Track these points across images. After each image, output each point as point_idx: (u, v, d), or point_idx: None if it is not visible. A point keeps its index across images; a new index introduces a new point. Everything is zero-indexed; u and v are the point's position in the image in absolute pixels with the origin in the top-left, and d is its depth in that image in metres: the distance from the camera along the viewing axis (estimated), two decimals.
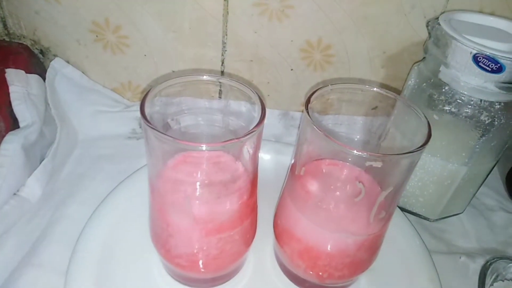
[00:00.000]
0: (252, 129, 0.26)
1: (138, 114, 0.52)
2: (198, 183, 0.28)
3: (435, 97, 0.38)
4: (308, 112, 0.29)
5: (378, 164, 0.25)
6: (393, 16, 0.46)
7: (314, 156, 0.30)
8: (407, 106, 0.30)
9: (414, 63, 0.42)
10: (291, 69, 0.50)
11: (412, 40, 0.47)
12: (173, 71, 0.50)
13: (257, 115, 0.29)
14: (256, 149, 0.29)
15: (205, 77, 0.31)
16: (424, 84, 0.39)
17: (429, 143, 0.28)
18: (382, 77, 0.51)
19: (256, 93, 0.29)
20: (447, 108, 0.37)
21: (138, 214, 0.38)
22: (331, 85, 0.31)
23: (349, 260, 0.32)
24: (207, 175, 0.28)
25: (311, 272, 0.33)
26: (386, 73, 0.50)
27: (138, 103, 0.52)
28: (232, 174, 0.29)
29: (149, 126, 0.26)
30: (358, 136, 0.36)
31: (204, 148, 0.25)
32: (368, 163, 0.26)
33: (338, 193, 0.29)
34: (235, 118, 0.33)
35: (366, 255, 0.32)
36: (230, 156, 0.29)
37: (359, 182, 0.28)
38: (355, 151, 0.25)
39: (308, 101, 0.29)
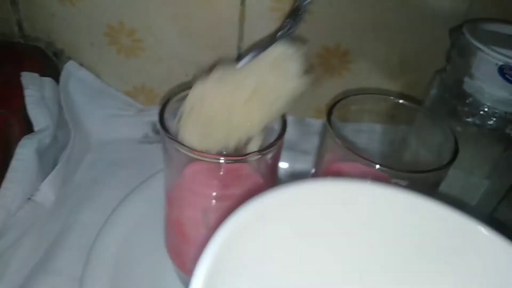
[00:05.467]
0: (274, 141, 0.26)
1: (151, 118, 0.52)
2: (216, 196, 0.27)
3: (459, 108, 0.37)
4: (330, 123, 0.28)
5: (403, 182, 0.25)
6: (413, 23, 0.45)
7: (335, 168, 0.29)
8: (431, 118, 0.29)
9: (436, 72, 0.41)
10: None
11: (432, 47, 0.46)
12: (187, 75, 0.49)
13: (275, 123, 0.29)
14: (276, 160, 0.28)
15: None
16: (447, 94, 0.38)
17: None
18: (401, 84, 0.49)
19: None
20: (470, 120, 0.36)
21: (153, 222, 0.37)
22: (352, 95, 0.30)
23: None
24: (226, 188, 0.27)
25: None
26: (405, 80, 0.49)
27: (151, 107, 0.51)
28: (252, 186, 0.28)
29: (168, 136, 0.25)
30: (377, 146, 0.35)
31: (224, 161, 0.25)
32: (394, 180, 0.25)
33: None
34: None
35: None
36: (250, 168, 0.28)
37: None
38: (380, 167, 0.24)
39: (330, 112, 0.29)
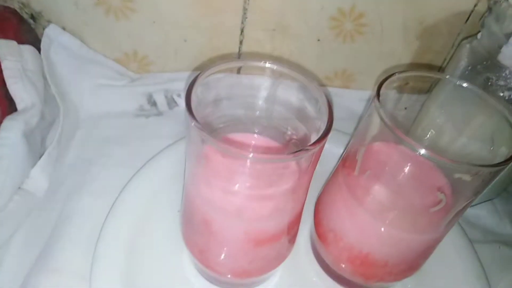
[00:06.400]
0: (320, 138, 0.22)
1: (145, 88, 0.47)
2: (251, 195, 0.24)
3: (492, 81, 0.34)
4: (379, 103, 0.24)
5: (467, 177, 0.22)
6: None
7: (383, 157, 0.26)
8: (485, 101, 0.27)
9: (463, 40, 0.38)
10: (318, 40, 0.45)
11: (453, 10, 0.43)
12: (185, 40, 0.44)
13: (315, 113, 0.26)
14: (318, 155, 0.25)
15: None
16: (479, 66, 0.35)
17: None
18: (415, 49, 0.46)
19: (322, 91, 0.25)
20: (506, 94, 0.34)
21: (164, 206, 0.35)
22: (397, 73, 0.27)
23: (404, 266, 0.29)
24: (262, 186, 0.24)
25: (358, 276, 0.31)
26: (420, 45, 0.46)
27: (144, 76, 0.46)
28: (291, 184, 0.25)
29: (198, 127, 0.21)
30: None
31: (266, 159, 0.21)
32: (457, 175, 0.22)
33: (412, 201, 0.26)
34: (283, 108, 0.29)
35: (422, 260, 0.30)
36: (288, 165, 0.25)
37: (441, 192, 0.24)
38: (444, 161, 0.22)
39: (378, 92, 0.25)
